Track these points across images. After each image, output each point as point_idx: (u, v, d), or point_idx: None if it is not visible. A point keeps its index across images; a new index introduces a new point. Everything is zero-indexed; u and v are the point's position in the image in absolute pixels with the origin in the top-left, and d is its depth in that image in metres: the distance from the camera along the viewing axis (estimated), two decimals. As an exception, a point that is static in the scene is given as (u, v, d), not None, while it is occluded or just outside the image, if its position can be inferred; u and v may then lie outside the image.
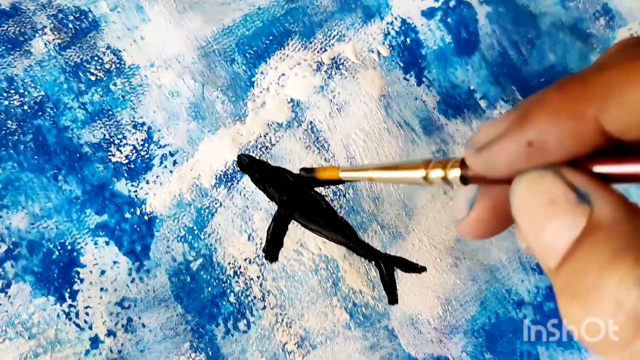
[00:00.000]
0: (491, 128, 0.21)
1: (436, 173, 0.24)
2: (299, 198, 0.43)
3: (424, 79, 0.48)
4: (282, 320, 0.41)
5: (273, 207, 0.43)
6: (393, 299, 0.42)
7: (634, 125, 0.18)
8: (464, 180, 0.23)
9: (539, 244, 0.20)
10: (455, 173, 0.23)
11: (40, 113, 0.43)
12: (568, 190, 0.19)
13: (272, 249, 0.42)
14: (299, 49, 0.47)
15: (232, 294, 0.41)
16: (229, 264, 0.41)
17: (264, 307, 0.41)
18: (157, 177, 0.43)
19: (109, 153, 0.43)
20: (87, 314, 0.39)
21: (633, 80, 0.18)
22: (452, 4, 0.50)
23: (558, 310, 0.19)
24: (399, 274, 0.43)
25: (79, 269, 0.40)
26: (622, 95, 0.18)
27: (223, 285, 0.41)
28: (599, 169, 0.20)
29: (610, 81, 0.18)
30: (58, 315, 0.39)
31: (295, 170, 0.44)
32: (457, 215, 0.25)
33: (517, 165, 0.20)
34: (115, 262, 0.41)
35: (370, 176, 0.29)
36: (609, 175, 0.20)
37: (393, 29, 0.49)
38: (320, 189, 0.44)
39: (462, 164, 0.23)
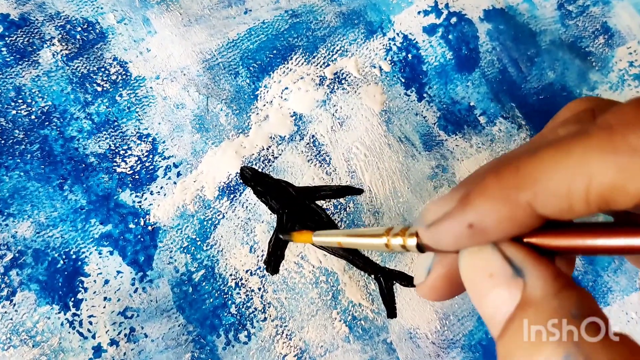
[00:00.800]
0: (438, 206, 0.22)
1: (396, 241, 0.25)
2: (301, 211, 0.44)
3: (424, 95, 0.49)
4: (283, 332, 0.42)
5: (275, 220, 0.44)
6: (392, 312, 0.43)
7: (564, 210, 0.19)
8: (420, 248, 0.24)
9: (482, 314, 0.21)
10: (412, 242, 0.24)
11: (47, 123, 0.44)
12: (505, 263, 0.20)
13: (273, 261, 0.43)
14: (302, 63, 0.48)
15: (233, 306, 0.42)
16: (231, 275, 0.42)
17: (265, 319, 0.42)
18: (161, 188, 0.43)
19: (114, 163, 0.43)
20: (90, 323, 0.40)
21: (560, 171, 0.19)
22: (453, 20, 0.51)
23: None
24: (398, 288, 0.44)
25: (83, 278, 0.41)
26: (549, 186, 0.19)
27: (224, 296, 0.42)
28: (534, 241, 0.21)
29: (539, 168, 0.19)
30: (62, 324, 0.40)
31: (297, 183, 0.45)
32: (416, 280, 0.25)
33: (461, 243, 0.21)
34: (118, 272, 0.41)
35: (339, 241, 0.31)
36: (549, 248, 0.21)
37: (395, 44, 0.50)
38: (321, 202, 0.45)
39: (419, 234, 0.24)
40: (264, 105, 0.46)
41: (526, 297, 0.19)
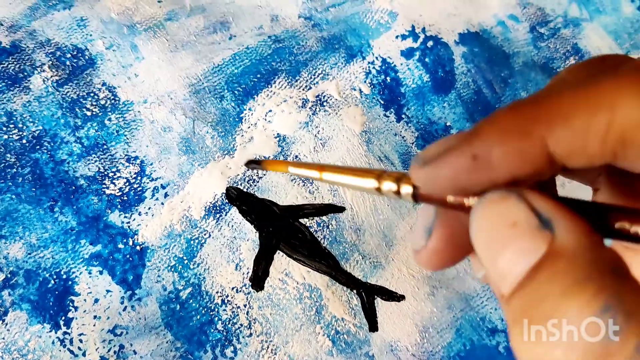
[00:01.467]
0: (441, 143, 0.20)
1: (388, 185, 0.22)
2: (285, 229, 0.46)
3: (403, 116, 0.51)
4: (268, 347, 0.43)
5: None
6: (373, 326, 0.44)
7: (578, 149, 0.18)
8: (416, 197, 0.21)
9: (495, 269, 0.19)
10: (407, 189, 0.21)
11: (38, 147, 0.45)
12: (530, 214, 0.18)
13: (259, 278, 0.44)
14: (285, 87, 0.50)
15: (219, 322, 0.43)
16: (217, 292, 0.44)
17: (250, 335, 0.43)
18: (149, 208, 0.45)
19: (104, 186, 0.45)
20: (80, 340, 0.41)
21: (581, 105, 0.18)
22: (429, 44, 0.53)
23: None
24: (379, 303, 0.45)
25: (73, 298, 0.42)
26: (569, 119, 0.18)
27: (211, 313, 0.43)
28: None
29: (559, 104, 0.18)
30: (53, 342, 0.41)
31: (281, 202, 0.46)
32: (414, 245, 0.23)
33: (459, 179, 0.19)
34: (108, 291, 0.42)
35: (320, 176, 0.26)
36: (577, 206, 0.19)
37: (374, 68, 0.52)
38: (304, 221, 0.46)
39: None
40: (249, 127, 0.48)
41: (556, 249, 0.17)
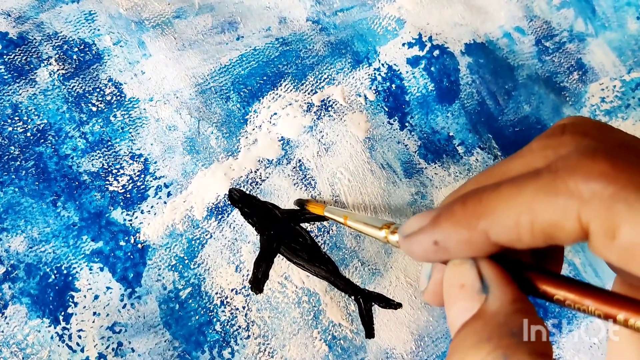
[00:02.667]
0: (416, 221, 0.25)
1: (394, 238, 0.30)
2: (286, 233, 0.46)
3: (406, 124, 0.51)
4: (265, 349, 0.43)
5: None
6: (370, 333, 0.45)
7: (514, 241, 0.22)
8: None
9: (448, 317, 0.24)
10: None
11: (42, 140, 0.45)
12: (476, 279, 0.23)
13: (258, 280, 0.44)
14: (291, 90, 0.50)
15: (218, 323, 0.43)
16: (216, 293, 0.44)
17: (248, 337, 0.43)
18: (152, 207, 0.45)
19: (107, 182, 0.45)
20: (79, 336, 0.41)
21: (511, 206, 0.22)
22: (436, 53, 0.54)
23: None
24: (377, 310, 0.46)
25: (73, 293, 0.42)
26: (502, 218, 0.22)
27: (210, 314, 0.43)
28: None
29: (496, 201, 0.22)
30: (52, 337, 0.41)
31: (283, 206, 0.47)
32: (420, 286, 0.29)
33: (428, 256, 0.25)
34: (108, 288, 0.43)
35: (345, 222, 0.38)
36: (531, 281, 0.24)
37: (380, 74, 0.52)
38: (305, 225, 0.47)
39: None
40: (253, 129, 0.48)
41: (482, 311, 0.22)
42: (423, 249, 0.25)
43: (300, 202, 0.46)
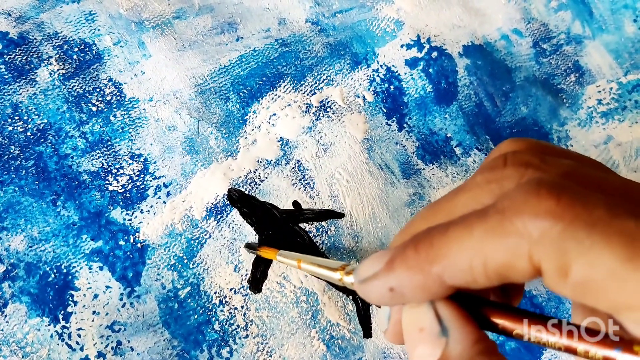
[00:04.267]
0: (370, 265, 0.25)
1: (349, 279, 0.29)
2: (284, 233, 0.46)
3: (404, 125, 0.51)
4: (263, 349, 0.44)
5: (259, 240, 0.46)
6: (367, 332, 0.45)
7: (469, 282, 0.22)
8: None
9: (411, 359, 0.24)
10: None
11: (42, 140, 0.45)
12: (435, 322, 0.23)
13: (257, 280, 0.45)
14: (290, 91, 0.50)
15: (217, 322, 0.44)
16: (215, 293, 0.44)
17: (247, 336, 0.44)
18: (151, 207, 0.45)
19: (107, 182, 0.45)
20: (79, 335, 0.42)
21: (462, 246, 0.22)
22: (434, 55, 0.54)
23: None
24: (374, 309, 0.46)
25: (73, 292, 0.42)
26: (454, 262, 0.22)
27: (209, 313, 0.44)
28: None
29: (447, 245, 0.22)
30: (51, 336, 0.41)
31: (282, 206, 0.47)
32: (381, 327, 0.29)
33: (384, 301, 0.24)
34: (107, 287, 0.43)
35: (299, 265, 0.37)
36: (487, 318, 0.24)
37: (378, 76, 0.52)
38: (304, 225, 0.47)
39: None
40: (252, 129, 0.49)
41: (445, 356, 0.22)
42: (379, 295, 0.24)
43: (251, 247, 0.45)
